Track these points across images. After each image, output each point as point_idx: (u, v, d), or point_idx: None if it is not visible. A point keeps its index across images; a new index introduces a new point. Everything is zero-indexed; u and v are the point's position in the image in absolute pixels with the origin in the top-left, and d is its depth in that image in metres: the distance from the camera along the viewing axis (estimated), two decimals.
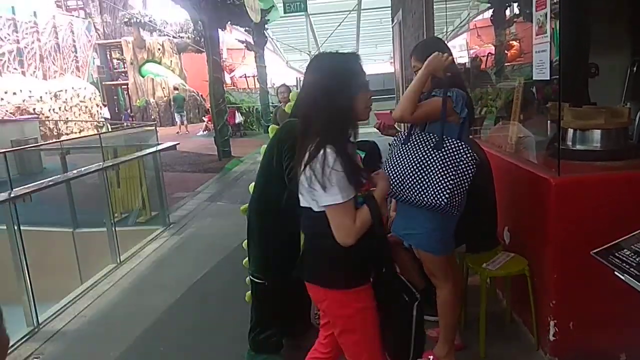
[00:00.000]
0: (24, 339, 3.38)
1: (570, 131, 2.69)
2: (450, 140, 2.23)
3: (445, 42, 2.83)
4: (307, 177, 1.64)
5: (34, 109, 18.00)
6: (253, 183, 2.75)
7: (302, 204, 1.78)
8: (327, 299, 1.78)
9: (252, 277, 2.75)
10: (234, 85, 23.48)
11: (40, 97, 18.54)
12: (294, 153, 2.51)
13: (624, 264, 1.54)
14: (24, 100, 17.87)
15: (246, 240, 2.79)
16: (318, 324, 3.15)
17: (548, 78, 2.69)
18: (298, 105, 1.78)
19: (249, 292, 2.86)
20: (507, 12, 9.55)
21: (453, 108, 2.27)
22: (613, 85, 3.78)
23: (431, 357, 2.63)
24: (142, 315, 3.61)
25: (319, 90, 1.68)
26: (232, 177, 9.12)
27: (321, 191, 1.60)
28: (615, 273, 1.54)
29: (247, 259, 2.81)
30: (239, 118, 16.92)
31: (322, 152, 1.60)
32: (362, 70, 1.74)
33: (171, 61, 25.10)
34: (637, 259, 1.54)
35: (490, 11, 11.08)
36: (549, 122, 3.07)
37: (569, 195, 2.36)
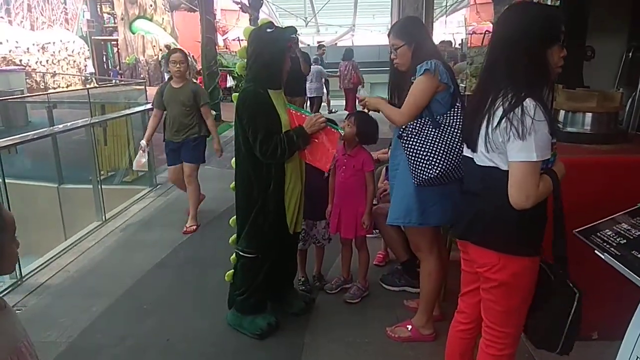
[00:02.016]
0: (7, 291, 3.38)
1: (562, 112, 2.70)
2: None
3: (428, 19, 2.85)
4: (501, 130, 1.55)
5: (20, 60, 17.51)
6: (234, 158, 2.71)
7: (481, 163, 1.68)
8: (499, 264, 1.67)
9: (242, 253, 2.73)
10: (226, 48, 22.96)
11: (27, 49, 18.02)
12: (257, 125, 2.46)
13: (605, 244, 1.58)
14: (10, 51, 17.36)
15: (235, 217, 2.78)
16: (302, 290, 3.22)
17: None
18: (490, 54, 1.69)
19: (230, 272, 2.86)
20: None
21: (439, 81, 2.29)
22: (608, 70, 3.78)
23: (410, 326, 2.70)
24: (126, 273, 3.62)
25: (518, 38, 1.59)
26: (221, 141, 9.04)
27: (518, 144, 1.51)
28: (596, 252, 1.57)
29: (234, 236, 2.80)
30: (230, 82, 16.61)
31: (522, 103, 1.52)
32: (562, 24, 1.65)
33: (163, 19, 24.45)
34: (618, 239, 1.57)
35: None
36: None
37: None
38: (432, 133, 2.28)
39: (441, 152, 2.23)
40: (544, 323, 1.71)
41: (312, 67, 11.87)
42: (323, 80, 11.90)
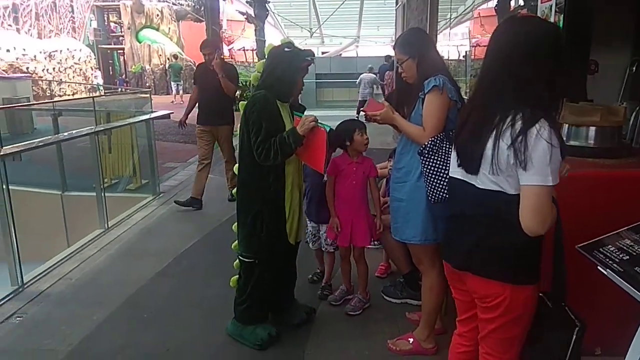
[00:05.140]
0: (8, 298, 3.38)
1: (565, 126, 2.69)
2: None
3: (436, 30, 2.87)
4: (513, 152, 1.45)
5: (27, 68, 17.69)
6: (237, 165, 2.76)
7: (483, 187, 1.56)
8: (504, 294, 1.58)
9: (241, 257, 2.77)
10: (231, 58, 23.17)
11: (34, 56, 18.22)
12: (260, 127, 2.52)
13: (608, 260, 1.56)
14: (17, 58, 17.55)
15: (236, 223, 2.81)
16: (313, 280, 3.35)
17: None
18: (483, 72, 1.62)
19: (235, 277, 2.88)
20: (512, 2, 9.49)
21: (450, 98, 2.30)
22: (611, 84, 3.78)
23: (411, 339, 2.68)
24: (127, 282, 3.62)
25: (533, 55, 1.49)
26: None
27: (532, 168, 1.44)
28: (599, 268, 1.56)
29: (236, 242, 2.83)
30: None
31: (537, 124, 1.44)
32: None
33: (169, 28, 24.70)
34: (621, 255, 1.56)
35: (495, 0, 11.02)
36: None
37: (558, 189, 2.38)
38: (449, 150, 2.25)
39: None
40: (544, 357, 1.67)
41: (364, 74, 14.06)
42: (374, 87, 13.98)
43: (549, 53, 1.50)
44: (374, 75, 14.20)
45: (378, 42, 27.71)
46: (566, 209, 2.37)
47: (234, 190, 2.78)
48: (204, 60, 5.42)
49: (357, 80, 14.50)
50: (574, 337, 1.60)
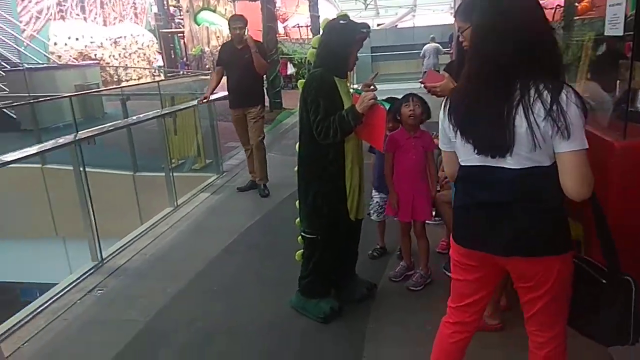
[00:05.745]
0: (89, 273, 3.65)
1: None
2: None
3: None
4: (550, 122, 1.43)
5: (95, 55, 18.59)
6: (298, 142, 2.80)
7: (519, 166, 1.51)
8: (555, 266, 1.57)
9: (304, 234, 2.85)
10: (286, 36, 23.17)
11: (101, 43, 19.10)
12: (318, 106, 2.54)
13: None
14: (85, 46, 18.48)
15: (298, 201, 2.87)
16: (373, 256, 3.43)
17: (621, 34, 2.52)
18: (481, 51, 1.56)
19: (300, 251, 2.96)
20: None
21: None
22: None
23: None
24: (197, 257, 3.81)
25: (542, 21, 1.53)
26: (282, 128, 9.19)
27: (572, 134, 1.43)
28: None
29: (298, 218, 2.90)
30: (291, 69, 16.81)
31: (563, 90, 1.45)
32: None
33: (226, 9, 24.96)
34: None
35: None
36: (618, 81, 2.89)
37: (633, 160, 2.24)
38: None
39: None
40: (609, 323, 1.63)
41: (427, 45, 14.15)
42: (438, 56, 14.12)
43: (543, 23, 1.53)
44: (437, 45, 14.15)
45: (436, 10, 26.76)
46: (624, 178, 2.24)
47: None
48: (231, 38, 5.16)
49: (421, 53, 14.48)
50: (634, 290, 1.58)
